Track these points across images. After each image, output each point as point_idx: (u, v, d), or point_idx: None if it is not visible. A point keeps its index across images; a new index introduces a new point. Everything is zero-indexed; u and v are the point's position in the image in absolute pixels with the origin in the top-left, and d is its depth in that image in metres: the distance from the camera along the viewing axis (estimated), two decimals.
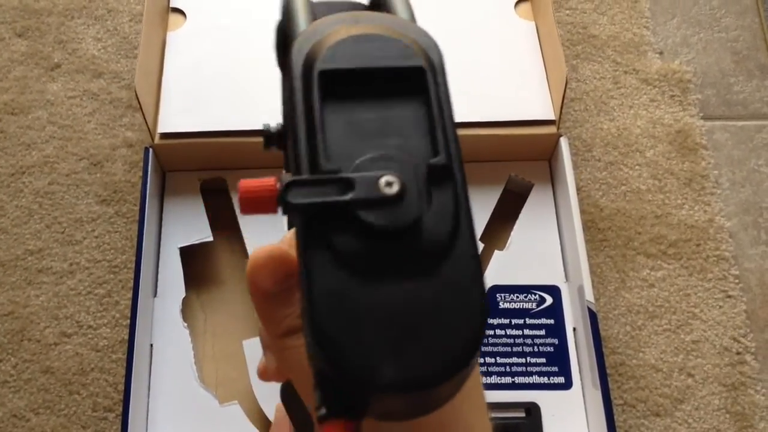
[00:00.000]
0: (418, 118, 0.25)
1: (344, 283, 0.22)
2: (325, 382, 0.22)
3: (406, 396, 0.22)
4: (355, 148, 0.24)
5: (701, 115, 0.78)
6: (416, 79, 0.25)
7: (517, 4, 0.77)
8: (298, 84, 0.25)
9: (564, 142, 0.68)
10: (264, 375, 0.32)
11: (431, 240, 0.23)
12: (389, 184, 0.23)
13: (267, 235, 0.68)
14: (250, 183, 0.23)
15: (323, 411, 0.22)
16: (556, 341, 0.64)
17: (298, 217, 0.24)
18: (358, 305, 0.22)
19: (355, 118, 0.25)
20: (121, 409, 0.61)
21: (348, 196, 0.22)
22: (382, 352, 0.21)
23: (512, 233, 0.69)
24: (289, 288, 0.27)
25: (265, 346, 0.32)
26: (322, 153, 0.24)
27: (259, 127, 0.70)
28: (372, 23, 0.27)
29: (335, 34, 0.26)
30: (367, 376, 0.21)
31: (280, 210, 0.23)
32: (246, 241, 0.68)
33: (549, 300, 0.66)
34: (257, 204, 0.23)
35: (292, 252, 0.26)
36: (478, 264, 0.23)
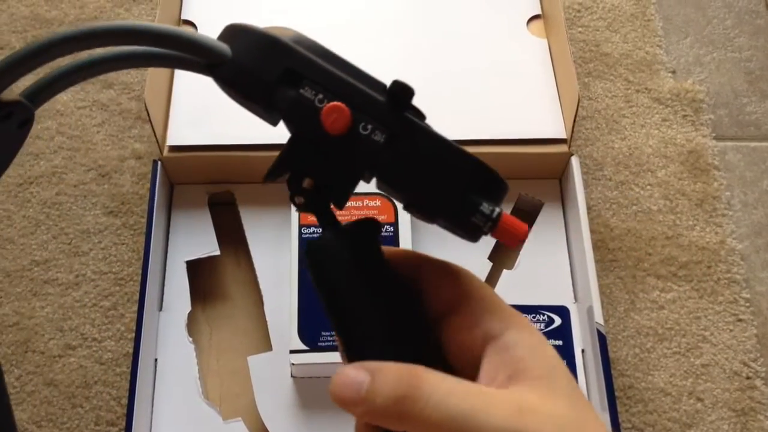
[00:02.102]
0: None
1: None
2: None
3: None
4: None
5: (714, 135, 0.78)
6: None
7: (529, 21, 0.76)
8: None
9: (575, 162, 0.68)
10: None
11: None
12: None
13: (274, 249, 0.67)
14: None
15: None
16: (564, 363, 0.63)
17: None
18: None
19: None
20: (124, 423, 0.60)
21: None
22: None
23: (521, 252, 0.68)
24: None
25: None
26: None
27: (268, 141, 0.70)
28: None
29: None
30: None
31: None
32: (253, 255, 0.68)
33: (557, 321, 0.65)
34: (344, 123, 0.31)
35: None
36: None
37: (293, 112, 0.31)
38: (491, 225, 0.31)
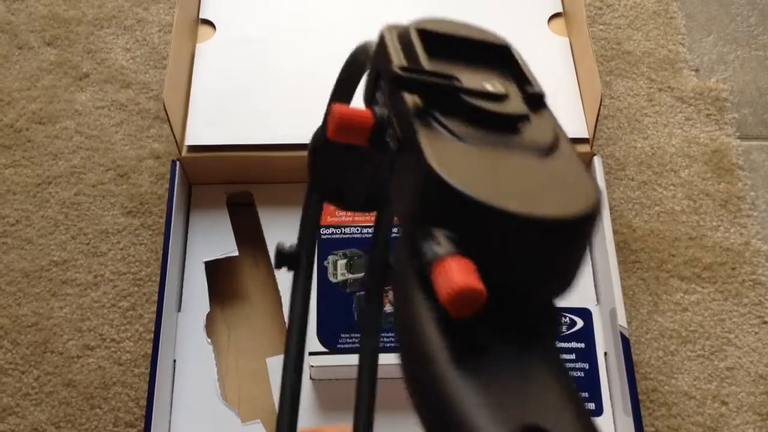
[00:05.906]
0: (504, 69, 0.28)
1: (465, 154, 0.23)
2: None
3: (532, 236, 0.21)
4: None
5: (738, 134, 0.77)
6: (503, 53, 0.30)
7: (550, 19, 0.75)
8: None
9: (598, 161, 0.67)
10: None
11: (537, 139, 0.24)
12: (493, 85, 0.25)
13: None
14: (345, 109, 0.25)
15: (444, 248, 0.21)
16: (586, 366, 0.63)
17: (404, 106, 0.24)
18: (478, 167, 0.22)
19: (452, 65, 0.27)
20: (142, 425, 0.60)
21: (458, 84, 0.24)
22: (510, 195, 0.21)
23: None
24: None
25: None
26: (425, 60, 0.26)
27: (286, 140, 0.70)
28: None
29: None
30: (497, 209, 0.21)
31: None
32: (272, 256, 0.67)
33: (580, 323, 0.64)
34: (351, 131, 0.25)
35: None
36: (583, 165, 0.24)
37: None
38: (428, 264, 0.22)
